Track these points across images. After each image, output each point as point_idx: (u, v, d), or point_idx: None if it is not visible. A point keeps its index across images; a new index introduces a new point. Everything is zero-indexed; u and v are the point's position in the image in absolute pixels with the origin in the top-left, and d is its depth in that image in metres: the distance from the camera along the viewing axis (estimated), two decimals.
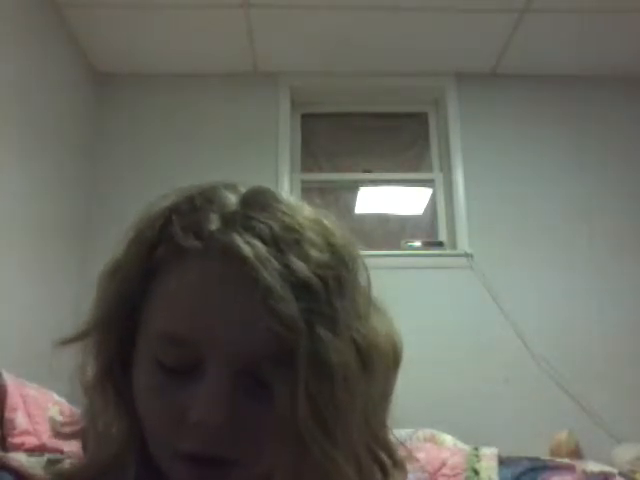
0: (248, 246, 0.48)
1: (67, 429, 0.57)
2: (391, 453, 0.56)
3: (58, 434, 0.58)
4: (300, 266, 0.48)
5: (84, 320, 0.56)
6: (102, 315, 0.55)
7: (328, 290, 0.49)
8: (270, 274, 0.47)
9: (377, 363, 0.52)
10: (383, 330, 0.56)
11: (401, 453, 0.57)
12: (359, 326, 0.51)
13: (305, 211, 0.53)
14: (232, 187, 0.55)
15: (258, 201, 0.52)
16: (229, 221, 0.51)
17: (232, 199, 0.53)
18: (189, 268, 0.50)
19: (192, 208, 0.53)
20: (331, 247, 0.51)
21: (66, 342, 0.56)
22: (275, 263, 0.48)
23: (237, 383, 0.49)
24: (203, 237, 0.50)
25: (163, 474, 0.53)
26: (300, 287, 0.48)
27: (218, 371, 0.49)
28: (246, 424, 0.49)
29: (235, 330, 0.48)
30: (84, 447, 0.56)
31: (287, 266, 0.48)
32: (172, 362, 0.50)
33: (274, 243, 0.49)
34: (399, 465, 0.56)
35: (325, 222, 0.53)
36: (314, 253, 0.50)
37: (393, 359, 0.57)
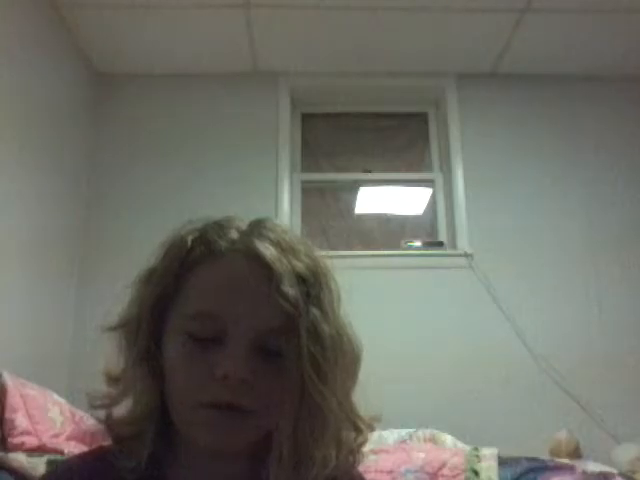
0: (265, 249, 0.67)
1: (99, 402, 0.70)
2: (359, 414, 0.72)
3: (93, 405, 0.71)
4: (298, 265, 0.67)
5: (121, 314, 0.71)
6: (140, 310, 0.70)
7: (316, 284, 0.68)
8: (281, 268, 0.66)
9: (347, 347, 0.70)
10: (349, 329, 0.72)
11: (368, 417, 0.73)
12: (337, 315, 0.70)
13: (294, 234, 0.73)
14: (239, 218, 0.74)
15: (262, 224, 0.72)
16: (246, 233, 0.70)
17: (243, 224, 0.72)
18: (220, 263, 0.68)
19: (217, 226, 0.72)
20: (313, 259, 0.70)
21: (110, 329, 0.71)
22: (284, 261, 0.67)
23: (254, 351, 0.65)
24: (229, 242, 0.69)
25: (172, 447, 0.70)
26: (299, 279, 0.66)
27: (240, 339, 0.65)
28: (260, 382, 0.64)
29: (254, 308, 0.66)
30: (108, 416, 0.70)
31: (290, 264, 0.67)
32: (204, 333, 0.66)
33: (280, 249, 0.68)
34: (366, 423, 0.72)
35: (307, 243, 0.73)
36: (304, 259, 0.69)
37: (356, 354, 0.72)
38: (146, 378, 0.68)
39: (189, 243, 0.70)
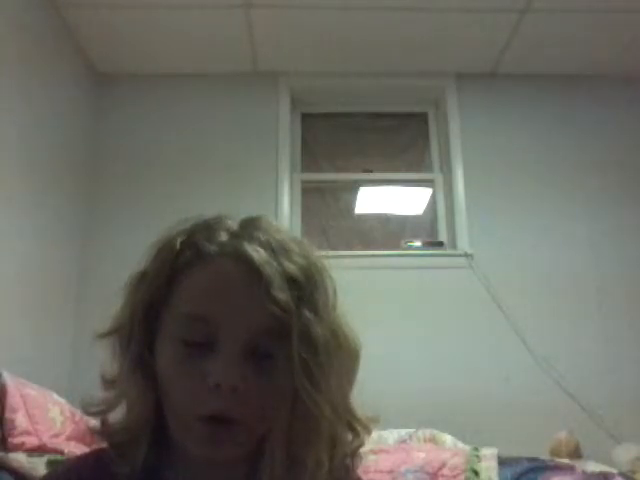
0: (254, 251, 0.66)
1: (94, 409, 0.70)
2: (357, 416, 0.71)
3: (87, 412, 0.71)
4: (290, 267, 0.66)
5: (113, 319, 0.70)
6: (132, 314, 0.69)
7: (309, 285, 0.67)
8: (270, 271, 0.64)
9: (344, 345, 0.68)
10: (345, 327, 0.70)
11: (366, 419, 0.72)
12: (332, 315, 0.68)
13: (288, 233, 0.71)
14: (231, 217, 0.73)
15: (254, 224, 0.70)
16: (235, 235, 0.69)
17: (233, 224, 0.71)
18: (210, 268, 0.67)
19: (206, 227, 0.70)
20: (307, 258, 0.69)
21: (103, 335, 0.70)
22: (274, 263, 0.65)
23: (246, 356, 0.64)
24: (218, 245, 0.68)
25: (168, 456, 0.69)
26: (290, 281, 0.65)
27: (231, 345, 0.64)
28: (253, 390, 0.63)
29: (244, 312, 0.64)
30: (103, 422, 0.70)
31: (281, 266, 0.65)
32: (195, 337, 0.65)
33: (271, 251, 0.66)
34: (364, 425, 0.71)
35: (302, 241, 0.71)
36: (298, 259, 0.67)
37: (354, 351, 0.71)
38: (140, 385, 0.68)
39: (178, 246, 0.69)
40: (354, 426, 0.70)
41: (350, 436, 0.70)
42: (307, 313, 0.65)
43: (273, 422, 0.66)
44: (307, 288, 0.66)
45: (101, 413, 0.70)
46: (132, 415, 0.68)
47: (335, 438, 0.67)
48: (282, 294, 0.64)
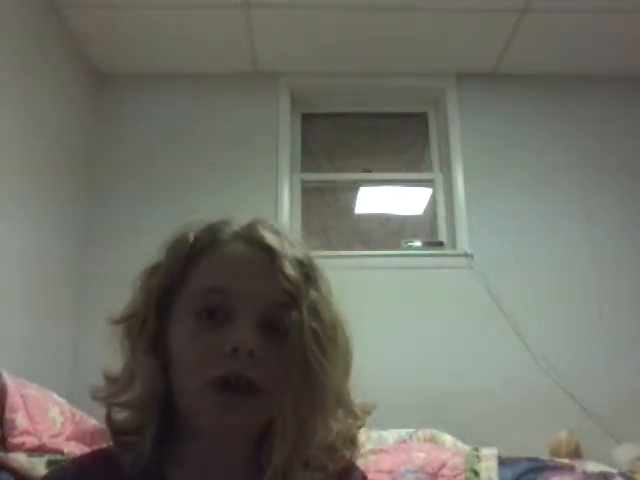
0: (266, 233, 0.72)
1: (102, 393, 0.72)
2: (354, 402, 0.74)
3: (95, 397, 0.72)
4: (297, 250, 0.73)
5: (125, 307, 0.73)
6: (147, 301, 0.72)
7: (312, 269, 0.73)
8: (282, 252, 0.71)
9: (340, 332, 0.72)
10: (343, 320, 0.74)
11: (363, 404, 0.76)
12: (331, 302, 0.73)
13: (287, 231, 0.77)
14: (237, 218, 0.78)
15: (260, 220, 0.76)
16: (247, 228, 0.75)
17: (242, 222, 0.76)
18: (223, 249, 0.73)
19: (218, 222, 0.76)
20: (307, 250, 0.75)
21: (117, 322, 0.72)
22: (285, 246, 0.72)
23: (260, 328, 0.68)
24: (232, 232, 0.74)
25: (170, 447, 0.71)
26: (297, 263, 0.71)
27: (246, 314, 0.68)
28: (267, 357, 0.67)
29: (259, 285, 0.70)
30: (109, 412, 0.71)
31: (290, 249, 0.72)
32: (211, 307, 0.69)
33: (280, 237, 0.73)
34: (362, 408, 0.75)
35: (299, 239, 0.78)
36: (300, 248, 0.74)
37: (349, 349, 0.75)
38: (151, 366, 0.69)
39: (191, 239, 0.74)
40: (353, 409, 0.73)
41: (350, 420, 0.73)
42: (313, 292, 0.71)
43: (284, 391, 0.68)
44: (310, 270, 0.72)
45: (109, 397, 0.71)
46: (144, 395, 0.69)
47: (339, 407, 0.71)
48: (293, 272, 0.70)
